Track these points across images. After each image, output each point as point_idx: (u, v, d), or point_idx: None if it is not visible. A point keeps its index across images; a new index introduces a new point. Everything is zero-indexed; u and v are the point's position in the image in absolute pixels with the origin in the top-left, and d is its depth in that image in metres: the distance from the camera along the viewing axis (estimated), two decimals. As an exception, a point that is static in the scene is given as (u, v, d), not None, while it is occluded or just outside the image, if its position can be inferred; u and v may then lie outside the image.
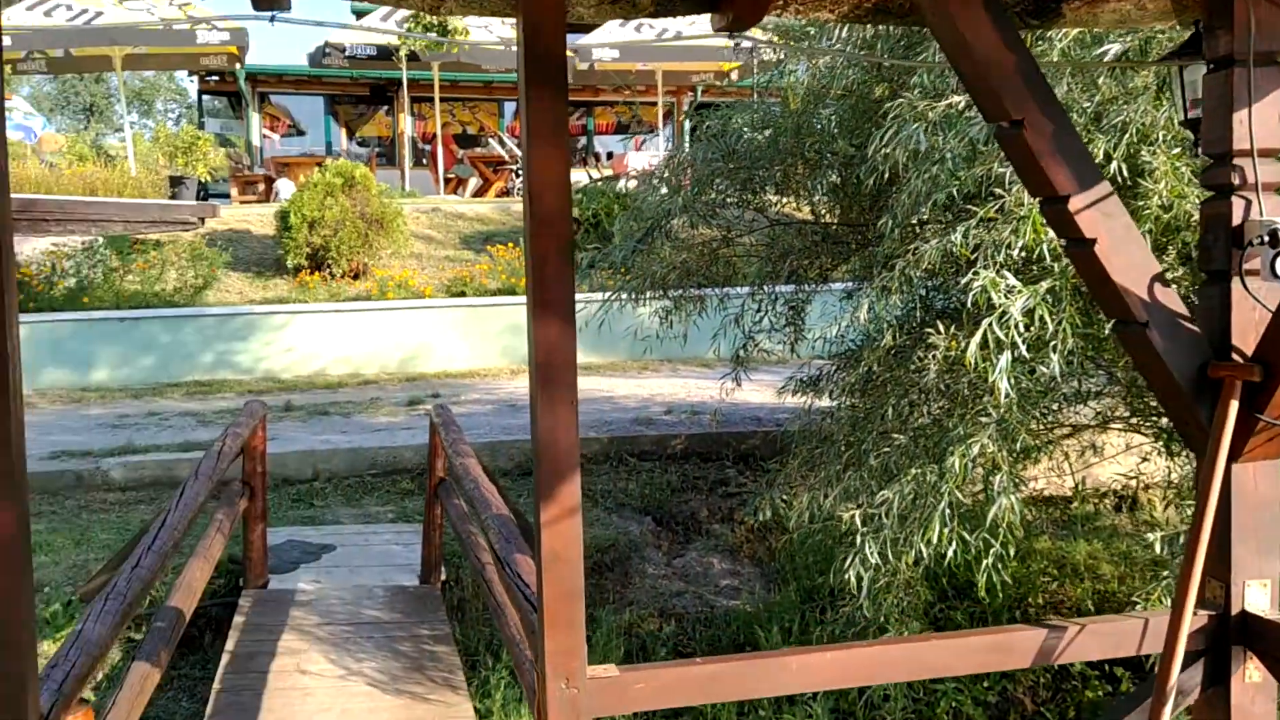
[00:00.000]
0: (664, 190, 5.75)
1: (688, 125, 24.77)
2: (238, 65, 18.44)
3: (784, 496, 6.18)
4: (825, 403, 5.94)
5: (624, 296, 5.73)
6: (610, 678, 2.26)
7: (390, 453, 8.02)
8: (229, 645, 5.08)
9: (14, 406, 1.91)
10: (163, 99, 47.21)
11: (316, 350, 11.18)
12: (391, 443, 8.17)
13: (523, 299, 11.43)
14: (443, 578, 6.22)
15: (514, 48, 2.14)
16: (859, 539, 4.37)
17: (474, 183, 19.71)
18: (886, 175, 4.23)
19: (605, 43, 17.45)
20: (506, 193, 19.41)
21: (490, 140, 20.54)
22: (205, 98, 24.64)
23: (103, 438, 8.47)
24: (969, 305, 3.95)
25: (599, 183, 12.90)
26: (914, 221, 4.25)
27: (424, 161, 21.53)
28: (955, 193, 4.07)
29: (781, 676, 2.39)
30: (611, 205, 12.97)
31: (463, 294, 11.75)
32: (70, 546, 6.68)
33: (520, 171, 19.61)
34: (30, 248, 11.31)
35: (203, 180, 14.83)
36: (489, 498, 3.67)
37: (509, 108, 23.53)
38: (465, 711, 4.59)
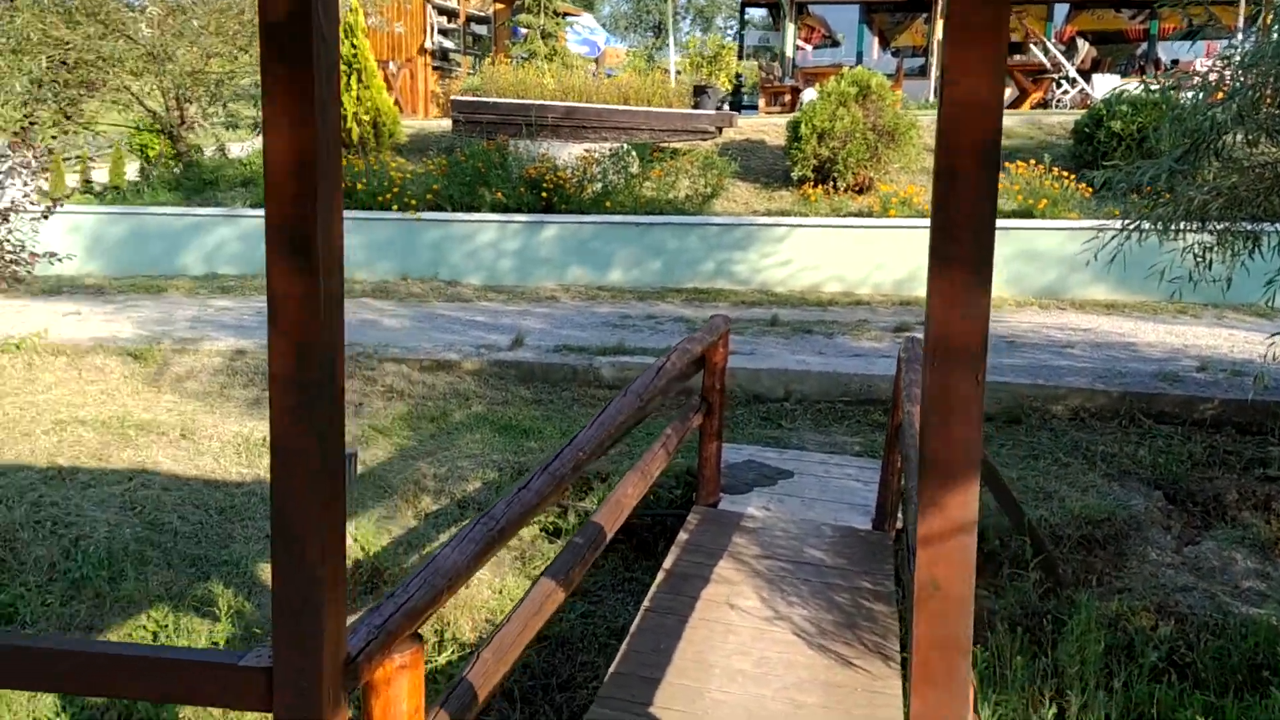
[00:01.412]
0: (1218, 97, 4.50)
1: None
2: (777, -27, 18.56)
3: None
4: None
5: (1145, 226, 4.63)
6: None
7: (865, 380, 7.55)
8: (666, 563, 5.02)
9: (328, 319, 1.71)
10: (722, 15, 49.79)
11: (812, 265, 10.94)
12: (869, 370, 7.69)
13: (1041, 223, 10.21)
14: (898, 525, 5.69)
15: None
16: None
17: (1007, 93, 18.11)
18: None
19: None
20: (1044, 104, 17.64)
21: (1032, 46, 18.68)
22: (748, 9, 25.31)
23: (602, 335, 8.96)
24: None
25: (1151, 92, 11.01)
26: None
27: (955, 71, 20.22)
28: None
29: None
30: (1161, 119, 11.05)
31: (972, 215, 10.77)
32: (557, 436, 7.11)
33: (1063, 81, 17.73)
34: (568, 153, 12.28)
35: (727, 90, 15.11)
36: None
37: (1060, 11, 21.24)
38: (892, 687, 4.07)
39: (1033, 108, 17.36)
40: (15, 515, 5.95)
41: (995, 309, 10.11)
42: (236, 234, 11.99)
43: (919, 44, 22.91)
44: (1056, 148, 12.49)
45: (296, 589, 1.75)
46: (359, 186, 11.69)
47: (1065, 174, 10.90)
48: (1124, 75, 18.78)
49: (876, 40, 23.03)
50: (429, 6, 17.09)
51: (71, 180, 18.56)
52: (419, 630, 2.16)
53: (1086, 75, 18.00)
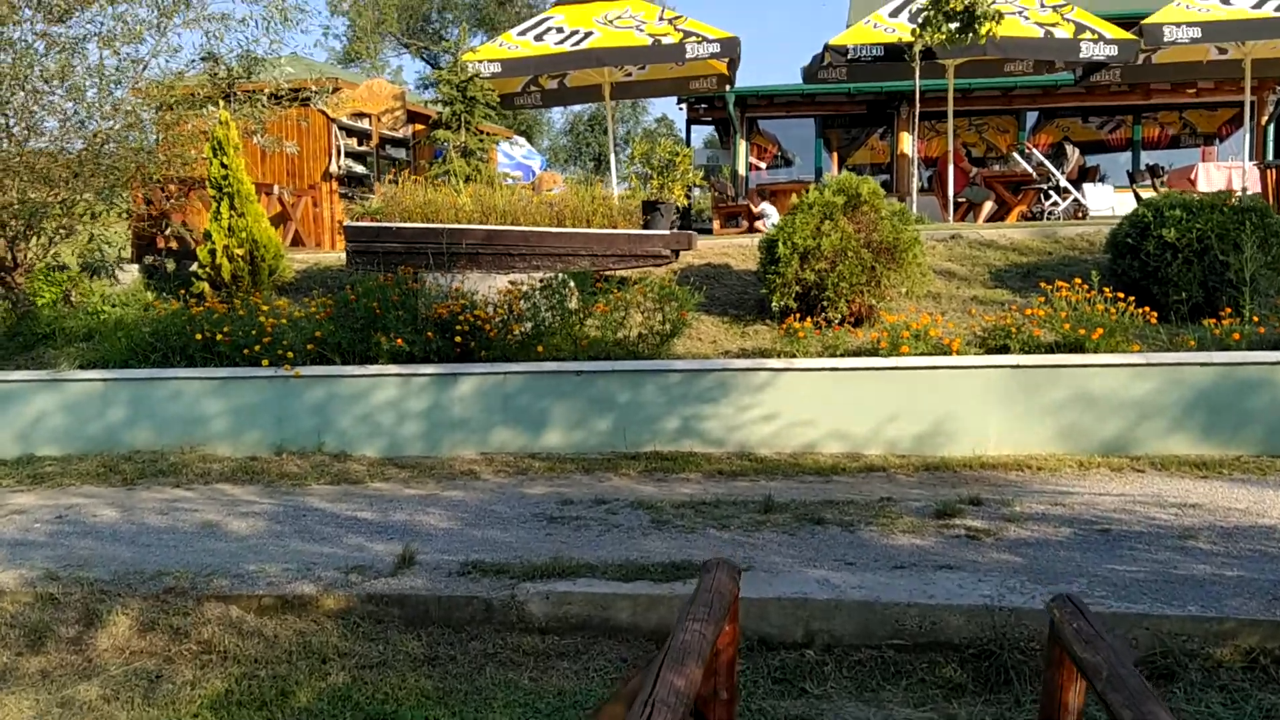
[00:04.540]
0: None
1: (1271, 130, 19.31)
2: (726, 87, 16.91)
3: None
4: None
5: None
6: None
7: (925, 613, 5.00)
8: None
9: None
10: (659, 151, 49.08)
11: (804, 418, 8.52)
12: (925, 594, 5.14)
13: (1096, 359, 7.86)
14: None
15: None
16: None
17: (989, 207, 16.26)
18: None
19: (1186, 20, 13.28)
20: (1031, 217, 15.72)
21: (1014, 155, 16.93)
22: (694, 128, 23.65)
23: (531, 539, 6.37)
24: None
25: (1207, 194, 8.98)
26: None
27: (927, 186, 18.45)
28: None
29: None
30: (1226, 224, 8.97)
31: (1005, 348, 8.47)
32: (454, 733, 4.44)
33: (1051, 192, 15.88)
34: (488, 286, 9.86)
35: (682, 207, 12.89)
36: None
37: (1030, 118, 19.72)
38: None
39: (1018, 220, 15.41)
40: None
41: (1053, 472, 7.67)
42: (61, 403, 9.29)
43: (879, 160, 21.28)
44: (1083, 263, 10.35)
45: None
46: (218, 337, 9.11)
47: (1121, 295, 8.67)
48: (1115, 186, 17.08)
49: (834, 157, 21.42)
50: (333, 127, 14.89)
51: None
52: None
53: (1076, 185, 16.19)
